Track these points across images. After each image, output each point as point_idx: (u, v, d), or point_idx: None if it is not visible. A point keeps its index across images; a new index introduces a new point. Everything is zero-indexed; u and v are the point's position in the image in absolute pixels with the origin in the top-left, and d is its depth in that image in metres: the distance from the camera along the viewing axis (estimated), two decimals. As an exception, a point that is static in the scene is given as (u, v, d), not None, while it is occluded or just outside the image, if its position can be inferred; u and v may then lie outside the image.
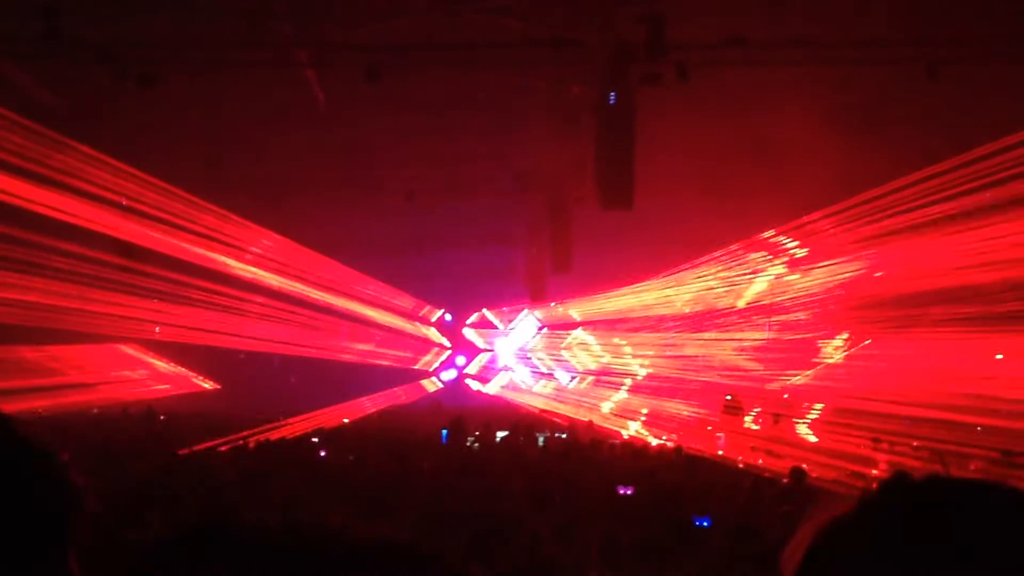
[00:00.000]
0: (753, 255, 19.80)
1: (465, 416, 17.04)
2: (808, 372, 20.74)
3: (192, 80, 14.51)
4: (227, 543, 1.02)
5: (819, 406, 19.35)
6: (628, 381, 23.63)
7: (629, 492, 9.52)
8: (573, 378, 25.50)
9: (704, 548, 6.89)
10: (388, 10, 13.22)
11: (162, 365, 23.66)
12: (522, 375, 26.16)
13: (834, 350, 20.58)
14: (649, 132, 14.04)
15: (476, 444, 16.02)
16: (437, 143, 16.88)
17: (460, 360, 26.02)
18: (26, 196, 14.84)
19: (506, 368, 26.16)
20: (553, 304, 24.68)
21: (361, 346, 23.88)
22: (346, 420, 20.00)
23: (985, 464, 12.46)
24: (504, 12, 13.28)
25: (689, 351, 22.18)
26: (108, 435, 14.10)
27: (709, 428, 18.93)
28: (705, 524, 7.49)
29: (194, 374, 23.79)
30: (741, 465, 14.32)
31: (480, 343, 26.20)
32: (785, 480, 10.77)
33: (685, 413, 20.35)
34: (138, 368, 23.11)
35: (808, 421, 19.31)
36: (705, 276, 20.81)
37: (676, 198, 17.24)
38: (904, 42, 13.05)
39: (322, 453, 13.76)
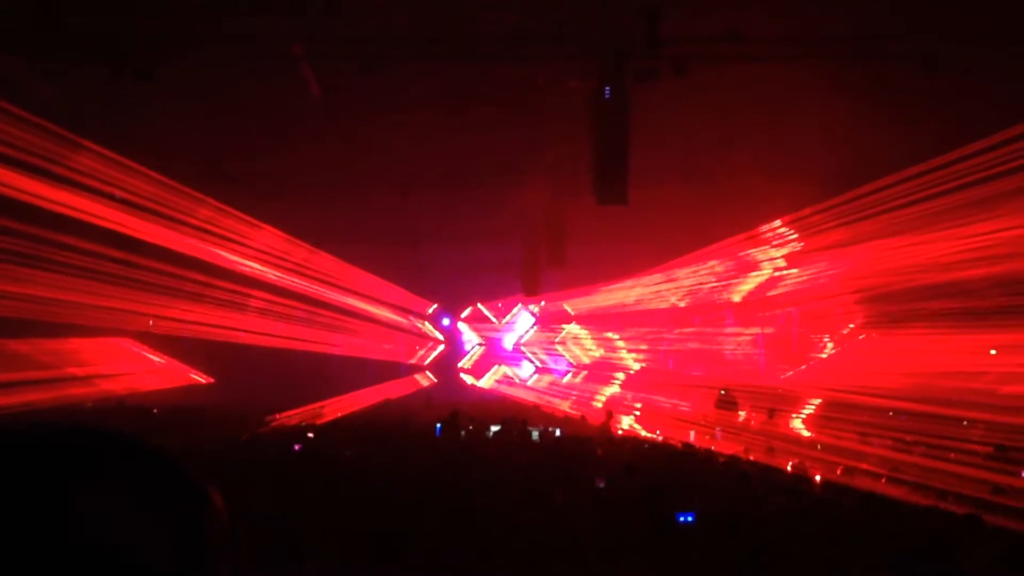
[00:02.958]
0: (748, 250, 19.82)
1: (459, 410, 17.06)
2: (802, 367, 20.78)
3: (188, 73, 14.45)
4: None
5: (814, 401, 19.39)
6: (621, 375, 23.65)
7: (602, 485, 9.54)
8: (567, 372, 25.50)
9: (691, 543, 6.91)
10: (384, 3, 13.18)
11: (156, 358, 23.60)
12: (516, 369, 26.14)
13: (828, 345, 20.62)
14: (645, 126, 14.04)
15: (470, 437, 16.01)
16: (432, 137, 16.84)
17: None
18: (21, 188, 14.79)
19: (500, 362, 26.15)
20: (547, 299, 24.67)
21: (354, 340, 23.85)
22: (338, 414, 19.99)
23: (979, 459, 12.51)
24: (501, 6, 13.24)
25: (683, 345, 22.21)
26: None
27: (703, 422, 18.96)
28: (690, 519, 7.49)
29: (188, 367, 23.74)
30: (731, 459, 14.33)
31: (474, 337, 26.19)
32: (779, 474, 10.80)
33: (679, 408, 20.38)
34: (132, 361, 23.03)
35: (802, 416, 19.36)
36: (700, 271, 20.83)
37: (671, 192, 17.25)
38: (901, 36, 13.05)
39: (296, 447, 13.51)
